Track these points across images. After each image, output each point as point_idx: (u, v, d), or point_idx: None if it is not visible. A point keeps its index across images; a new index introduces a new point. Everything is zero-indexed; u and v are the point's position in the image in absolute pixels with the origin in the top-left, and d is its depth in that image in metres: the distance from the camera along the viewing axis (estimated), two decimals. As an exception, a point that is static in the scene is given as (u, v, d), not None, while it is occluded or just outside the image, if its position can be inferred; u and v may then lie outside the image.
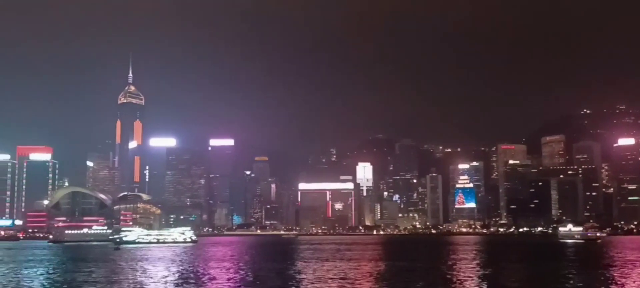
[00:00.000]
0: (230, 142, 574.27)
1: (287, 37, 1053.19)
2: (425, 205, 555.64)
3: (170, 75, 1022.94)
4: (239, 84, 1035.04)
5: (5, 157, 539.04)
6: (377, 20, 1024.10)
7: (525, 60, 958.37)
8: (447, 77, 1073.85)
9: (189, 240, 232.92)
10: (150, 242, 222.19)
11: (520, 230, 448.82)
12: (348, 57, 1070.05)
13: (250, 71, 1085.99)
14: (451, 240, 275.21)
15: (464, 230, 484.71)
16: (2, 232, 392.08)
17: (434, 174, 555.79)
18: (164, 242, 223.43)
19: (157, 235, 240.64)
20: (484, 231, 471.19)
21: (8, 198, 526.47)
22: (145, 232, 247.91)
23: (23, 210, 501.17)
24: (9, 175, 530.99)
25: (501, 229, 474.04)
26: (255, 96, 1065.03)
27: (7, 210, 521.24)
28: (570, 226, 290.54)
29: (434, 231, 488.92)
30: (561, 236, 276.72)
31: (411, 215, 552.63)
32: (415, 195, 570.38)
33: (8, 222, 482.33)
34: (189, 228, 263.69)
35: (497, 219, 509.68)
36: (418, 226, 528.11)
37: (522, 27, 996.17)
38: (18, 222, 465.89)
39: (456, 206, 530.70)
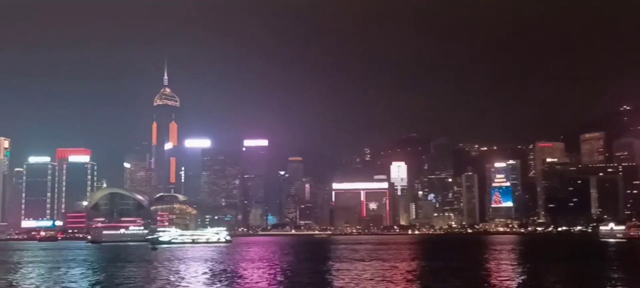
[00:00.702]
0: (264, 142, 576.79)
1: (320, 37, 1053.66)
2: (461, 205, 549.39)
3: (204, 77, 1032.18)
4: (272, 85, 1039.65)
5: (46, 159, 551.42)
6: (409, 17, 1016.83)
7: (562, 55, 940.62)
8: (482, 74, 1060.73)
9: (223, 240, 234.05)
10: (185, 242, 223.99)
11: (559, 229, 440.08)
12: (381, 56, 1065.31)
13: (284, 72, 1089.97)
14: (488, 240, 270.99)
15: (501, 229, 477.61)
16: (43, 233, 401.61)
17: (469, 173, 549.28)
18: (198, 242, 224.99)
19: (191, 235, 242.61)
20: (522, 230, 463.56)
21: (48, 200, 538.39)
22: (180, 232, 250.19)
23: (63, 211, 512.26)
24: (49, 177, 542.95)
25: (539, 228, 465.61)
26: (289, 97, 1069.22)
27: (48, 211, 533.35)
28: (611, 225, 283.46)
29: (470, 230, 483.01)
30: (602, 235, 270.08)
31: (447, 214, 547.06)
32: (450, 194, 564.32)
33: (49, 223, 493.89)
34: (223, 228, 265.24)
35: (535, 218, 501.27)
36: (454, 225, 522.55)
37: (558, 21, 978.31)
38: (58, 223, 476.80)
39: (493, 205, 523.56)
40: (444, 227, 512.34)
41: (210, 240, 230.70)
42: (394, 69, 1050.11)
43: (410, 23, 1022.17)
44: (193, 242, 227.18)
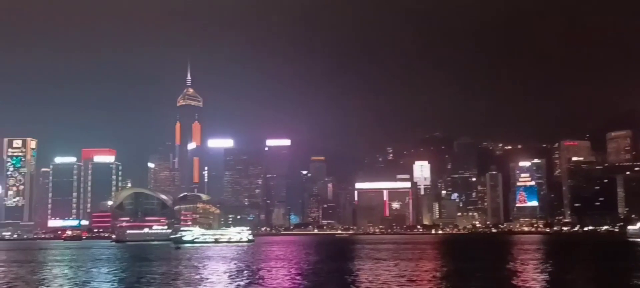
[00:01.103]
0: (286, 142, 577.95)
1: (343, 37, 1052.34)
2: (485, 204, 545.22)
3: (227, 77, 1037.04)
4: (295, 85, 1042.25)
5: (72, 159, 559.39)
6: (434, 16, 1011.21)
7: (586, 52, 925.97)
8: (505, 73, 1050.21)
9: (245, 239, 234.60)
10: (207, 242, 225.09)
11: (585, 228, 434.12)
12: (403, 56, 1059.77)
13: (307, 71, 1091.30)
14: (513, 240, 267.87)
15: (526, 229, 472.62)
16: (69, 232, 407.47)
17: (493, 172, 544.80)
18: (221, 242, 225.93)
19: (214, 234, 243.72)
20: (547, 230, 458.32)
21: (74, 199, 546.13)
22: (203, 231, 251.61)
23: (89, 210, 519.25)
24: (75, 177, 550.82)
25: (565, 228, 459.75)
26: (312, 96, 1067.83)
27: (74, 210, 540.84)
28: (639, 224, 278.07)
29: (494, 230, 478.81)
30: (630, 235, 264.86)
31: (470, 214, 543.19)
32: (474, 193, 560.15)
33: (75, 223, 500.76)
34: (245, 228, 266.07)
35: (561, 218, 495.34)
36: (478, 225, 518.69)
37: (583, 17, 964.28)
38: (84, 222, 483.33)
39: (517, 204, 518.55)
40: (467, 226, 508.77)
41: (232, 240, 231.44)
42: (416, 68, 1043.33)
43: (435, 21, 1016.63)
44: (215, 241, 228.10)
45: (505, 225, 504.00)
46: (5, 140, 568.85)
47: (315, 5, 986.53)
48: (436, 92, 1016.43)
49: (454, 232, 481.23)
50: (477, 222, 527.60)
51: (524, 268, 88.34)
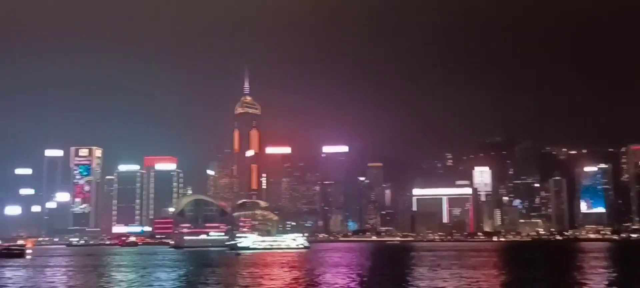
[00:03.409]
0: (343, 148, 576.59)
1: (399, 41, 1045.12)
2: (549, 210, 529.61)
3: (284, 84, 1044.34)
4: (352, 91, 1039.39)
5: (135, 167, 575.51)
6: (495, 19, 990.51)
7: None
8: (568, 75, 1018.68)
9: (301, 246, 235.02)
10: (263, 248, 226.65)
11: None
12: (461, 59, 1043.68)
13: (364, 77, 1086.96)
14: (579, 247, 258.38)
15: (593, 236, 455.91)
16: (132, 238, 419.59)
17: (557, 178, 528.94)
18: (276, 248, 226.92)
19: (270, 241, 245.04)
20: (615, 237, 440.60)
21: (137, 206, 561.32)
22: (260, 238, 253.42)
23: (151, 217, 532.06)
24: (138, 184, 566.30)
25: (634, 235, 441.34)
26: (369, 102, 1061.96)
27: (137, 217, 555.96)
28: None
29: (559, 237, 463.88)
30: None
31: (534, 220, 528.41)
32: (537, 199, 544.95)
33: (138, 229, 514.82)
34: (301, 234, 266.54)
35: (629, 224, 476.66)
36: (542, 232, 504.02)
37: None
38: (147, 229, 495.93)
39: (583, 211, 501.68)
40: (531, 233, 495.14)
41: (288, 246, 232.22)
42: (475, 71, 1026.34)
43: (497, 24, 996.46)
44: (271, 248, 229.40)
45: (570, 232, 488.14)
46: (73, 149, 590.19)
47: (374, 11, 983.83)
48: (496, 95, 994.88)
49: (517, 239, 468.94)
50: (540, 229, 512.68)
51: (591, 277, 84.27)
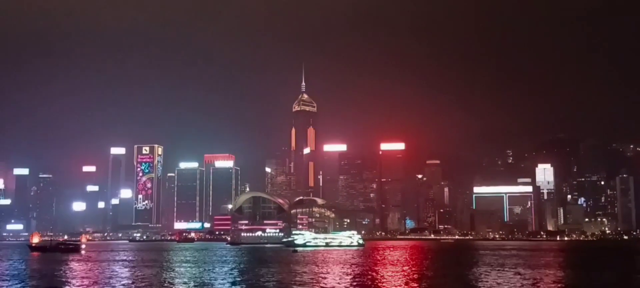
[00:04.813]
0: (401, 146, 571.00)
1: (457, 38, 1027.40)
2: (615, 209, 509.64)
3: (340, 82, 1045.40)
4: (408, 88, 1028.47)
5: (194, 164, 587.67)
6: (556, 11, 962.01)
7: None
8: (634, 67, 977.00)
9: (355, 243, 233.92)
10: (318, 245, 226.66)
11: None
12: (522, 54, 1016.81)
13: (420, 74, 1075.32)
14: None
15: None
16: (193, 234, 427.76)
17: (624, 175, 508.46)
18: (331, 246, 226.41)
19: (325, 238, 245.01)
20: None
21: (197, 203, 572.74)
22: (314, 235, 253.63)
23: (210, 213, 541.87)
24: (197, 182, 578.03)
25: None
26: (426, 99, 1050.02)
27: (197, 213, 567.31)
28: None
29: (626, 237, 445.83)
30: None
31: (599, 219, 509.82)
32: (603, 198, 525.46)
33: (198, 225, 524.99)
34: (355, 232, 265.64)
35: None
36: (607, 232, 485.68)
37: None
38: (206, 225, 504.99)
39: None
40: (596, 233, 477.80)
41: (343, 244, 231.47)
42: (536, 67, 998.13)
43: (556, 16, 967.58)
44: (326, 245, 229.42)
45: (638, 232, 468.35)
46: (136, 147, 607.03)
47: (432, 9, 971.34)
48: (558, 90, 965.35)
49: (581, 238, 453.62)
50: (606, 229, 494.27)
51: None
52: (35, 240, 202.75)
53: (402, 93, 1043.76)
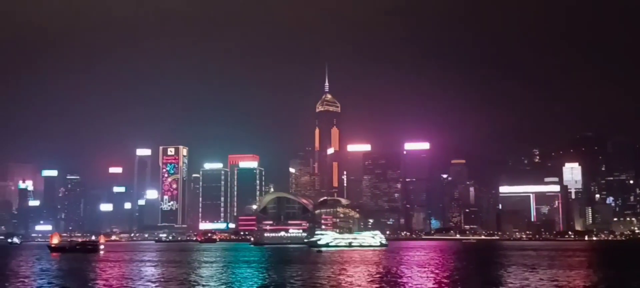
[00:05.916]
0: (425, 145, 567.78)
1: (482, 36, 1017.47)
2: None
3: (364, 82, 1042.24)
4: (433, 87, 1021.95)
5: (219, 165, 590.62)
6: (585, 7, 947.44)
7: None
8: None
9: (379, 243, 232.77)
10: (341, 246, 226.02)
11: None
12: (548, 51, 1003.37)
13: (445, 72, 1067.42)
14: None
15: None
16: (216, 236, 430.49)
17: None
18: (354, 246, 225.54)
19: (348, 238, 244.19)
20: None
21: (222, 203, 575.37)
22: (337, 235, 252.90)
23: (235, 214, 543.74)
24: (222, 182, 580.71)
25: None
26: (451, 98, 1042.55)
27: (222, 214, 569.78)
28: None
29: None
30: None
31: (628, 219, 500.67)
32: (632, 197, 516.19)
33: (223, 225, 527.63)
34: (379, 232, 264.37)
35: None
36: (637, 231, 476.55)
37: None
38: (231, 225, 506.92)
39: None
40: (625, 232, 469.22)
41: (366, 244, 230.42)
42: (562, 64, 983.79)
43: (586, 13, 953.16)
44: (349, 245, 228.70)
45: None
46: (161, 148, 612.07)
47: (454, 6, 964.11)
48: (585, 88, 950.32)
49: (610, 238, 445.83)
50: (636, 228, 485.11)
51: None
52: (55, 240, 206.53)
53: (427, 92, 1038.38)
